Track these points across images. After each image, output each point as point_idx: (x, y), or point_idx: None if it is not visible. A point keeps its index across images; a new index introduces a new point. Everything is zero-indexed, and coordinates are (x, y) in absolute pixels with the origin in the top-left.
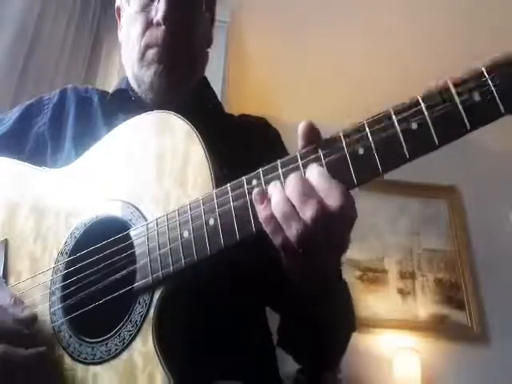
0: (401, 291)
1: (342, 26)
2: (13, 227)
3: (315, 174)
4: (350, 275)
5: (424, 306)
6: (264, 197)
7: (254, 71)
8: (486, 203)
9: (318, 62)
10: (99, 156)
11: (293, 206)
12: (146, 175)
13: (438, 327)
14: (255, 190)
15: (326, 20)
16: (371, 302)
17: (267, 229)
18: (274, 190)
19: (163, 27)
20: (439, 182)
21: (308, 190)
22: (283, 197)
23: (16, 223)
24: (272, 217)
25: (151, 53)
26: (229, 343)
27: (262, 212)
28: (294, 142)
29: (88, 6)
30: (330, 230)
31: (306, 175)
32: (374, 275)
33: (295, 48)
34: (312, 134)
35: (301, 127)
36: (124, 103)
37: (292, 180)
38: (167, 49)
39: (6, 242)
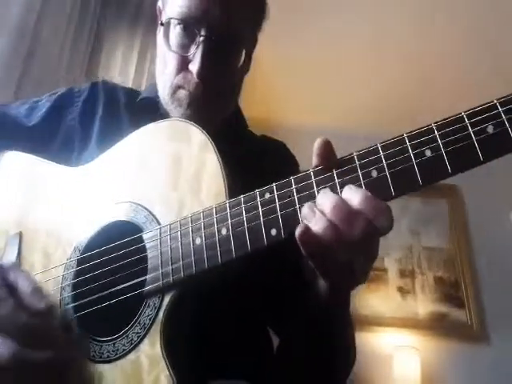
0: (401, 289)
1: (348, 28)
2: (27, 221)
3: (359, 195)
4: None
5: (424, 305)
6: (309, 232)
7: (257, 73)
8: (486, 202)
9: (322, 64)
10: (117, 158)
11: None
12: (161, 180)
13: (437, 325)
14: (299, 229)
15: (331, 21)
16: (371, 300)
17: (317, 260)
18: (317, 220)
19: (196, 79)
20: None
21: (350, 208)
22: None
23: (30, 217)
24: (318, 243)
25: (182, 94)
26: (234, 348)
27: (312, 247)
28: (296, 143)
29: (88, 5)
30: (373, 244)
31: (344, 196)
32: (373, 274)
33: (298, 49)
34: (327, 152)
35: (316, 145)
36: (151, 110)
37: (330, 201)
38: (198, 98)
39: (20, 235)
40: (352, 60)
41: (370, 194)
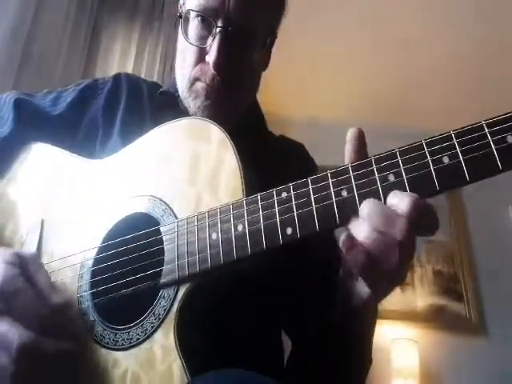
0: None
1: (346, 23)
2: (49, 210)
3: (400, 199)
4: None
5: (423, 297)
6: (352, 240)
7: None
8: (486, 196)
9: (319, 59)
10: (138, 153)
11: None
12: (180, 176)
13: (436, 318)
14: (343, 238)
15: (330, 18)
16: None
17: (360, 269)
18: (359, 227)
19: (213, 71)
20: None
21: (394, 215)
22: (375, 234)
23: (52, 207)
24: (366, 256)
25: (199, 86)
26: (246, 344)
27: (355, 258)
28: (296, 137)
29: (85, 2)
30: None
31: (390, 202)
32: None
33: (296, 45)
34: (361, 143)
35: (352, 135)
36: (172, 105)
37: (374, 210)
38: (215, 89)
39: (42, 223)
40: (356, 57)
41: (416, 196)
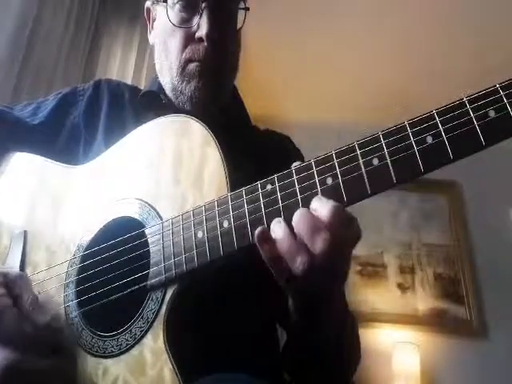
0: (400, 286)
1: (343, 24)
2: (32, 220)
3: (321, 204)
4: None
5: (423, 301)
6: (267, 237)
7: (253, 69)
8: (486, 198)
9: (317, 61)
10: (119, 155)
11: (299, 240)
12: (164, 176)
13: (437, 321)
14: (258, 230)
15: (326, 18)
16: (371, 296)
17: (274, 268)
18: (277, 227)
19: (205, 43)
20: (439, 176)
21: (316, 221)
22: (287, 233)
23: (35, 216)
24: (278, 256)
25: (192, 67)
26: (238, 343)
27: (268, 253)
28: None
29: (86, 2)
30: (339, 255)
31: (312, 206)
32: (373, 270)
33: (294, 46)
34: None
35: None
36: (154, 104)
37: (298, 214)
38: (209, 64)
39: (24, 234)
40: (350, 56)
41: (336, 205)
